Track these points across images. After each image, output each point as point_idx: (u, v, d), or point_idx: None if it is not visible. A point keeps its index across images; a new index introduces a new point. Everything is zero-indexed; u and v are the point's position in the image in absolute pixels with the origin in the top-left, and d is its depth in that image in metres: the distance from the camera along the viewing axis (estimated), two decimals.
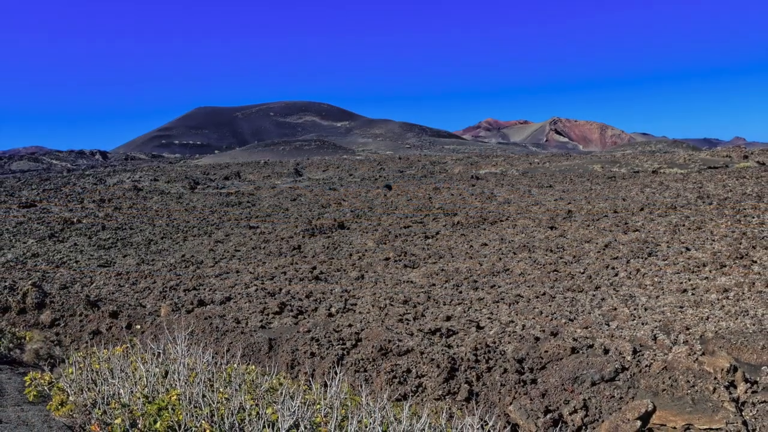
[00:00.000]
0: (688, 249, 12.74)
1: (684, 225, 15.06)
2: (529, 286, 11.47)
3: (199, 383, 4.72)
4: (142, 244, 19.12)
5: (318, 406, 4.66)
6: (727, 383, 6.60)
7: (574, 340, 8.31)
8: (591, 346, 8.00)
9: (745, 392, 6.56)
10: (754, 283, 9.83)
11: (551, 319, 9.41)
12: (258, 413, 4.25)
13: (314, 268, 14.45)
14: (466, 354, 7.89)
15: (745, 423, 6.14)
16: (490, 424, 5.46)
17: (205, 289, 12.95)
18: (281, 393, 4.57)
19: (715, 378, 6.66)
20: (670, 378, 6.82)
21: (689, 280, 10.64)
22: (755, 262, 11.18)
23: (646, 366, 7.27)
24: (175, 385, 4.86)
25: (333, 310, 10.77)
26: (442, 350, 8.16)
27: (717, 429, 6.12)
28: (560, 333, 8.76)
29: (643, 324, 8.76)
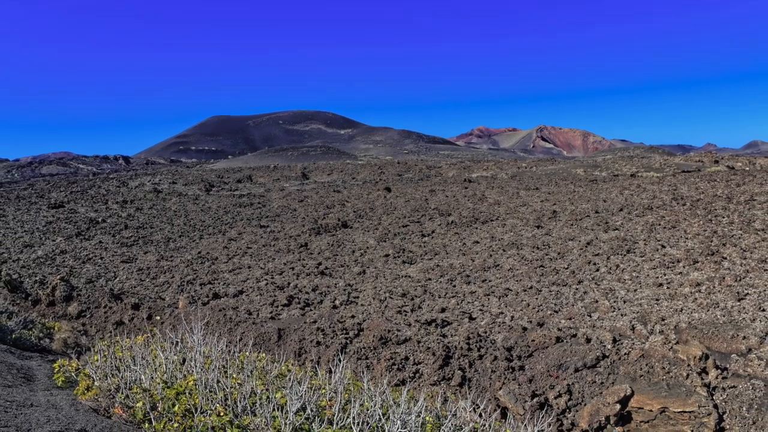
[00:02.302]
0: (663, 246, 12.74)
1: (660, 224, 15.06)
2: (517, 281, 11.46)
3: (214, 370, 4.72)
4: (162, 241, 19.11)
5: (323, 390, 4.66)
6: (699, 370, 6.60)
7: (559, 330, 8.31)
8: (574, 336, 8.00)
9: (716, 378, 6.56)
10: (724, 278, 9.83)
11: (538, 311, 9.41)
12: (268, 397, 4.25)
13: (320, 264, 14.45)
14: (459, 343, 7.89)
15: (716, 406, 6.14)
16: (482, 407, 5.47)
17: (219, 284, 12.95)
18: (289, 379, 4.57)
19: (689, 365, 6.67)
20: (647, 365, 6.82)
21: (664, 275, 10.64)
22: (725, 258, 11.18)
23: (625, 354, 7.27)
24: (192, 371, 4.87)
25: (337, 302, 10.77)
26: (437, 339, 8.16)
27: (690, 412, 6.12)
28: (546, 323, 8.76)
29: (622, 315, 8.76)
